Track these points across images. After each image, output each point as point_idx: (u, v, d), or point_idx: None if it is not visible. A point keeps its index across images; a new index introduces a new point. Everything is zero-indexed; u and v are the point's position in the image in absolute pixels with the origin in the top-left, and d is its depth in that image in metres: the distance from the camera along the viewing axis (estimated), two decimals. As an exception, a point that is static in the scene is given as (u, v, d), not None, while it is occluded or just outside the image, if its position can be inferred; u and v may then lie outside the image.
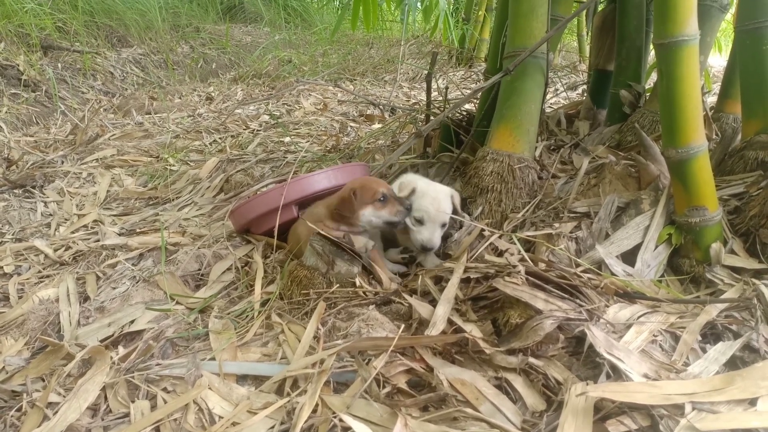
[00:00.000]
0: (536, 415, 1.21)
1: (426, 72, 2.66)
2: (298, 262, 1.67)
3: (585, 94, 2.56)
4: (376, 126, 3.92)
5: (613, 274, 1.54)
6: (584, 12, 2.41)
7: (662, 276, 1.59)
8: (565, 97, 3.83)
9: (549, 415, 1.18)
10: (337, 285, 1.59)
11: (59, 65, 6.46)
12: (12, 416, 1.30)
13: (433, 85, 2.87)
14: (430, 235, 1.75)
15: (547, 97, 3.44)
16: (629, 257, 1.61)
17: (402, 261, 1.92)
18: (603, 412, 1.15)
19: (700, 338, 1.32)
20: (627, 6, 2.15)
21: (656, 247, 1.60)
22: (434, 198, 1.76)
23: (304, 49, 9.03)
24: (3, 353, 1.59)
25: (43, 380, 1.47)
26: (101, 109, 5.84)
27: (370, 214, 1.72)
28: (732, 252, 1.56)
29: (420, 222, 1.77)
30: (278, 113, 4.73)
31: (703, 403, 1.12)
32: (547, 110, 2.70)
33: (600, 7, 2.59)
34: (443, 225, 1.77)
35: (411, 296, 1.57)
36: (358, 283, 1.61)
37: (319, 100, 5.48)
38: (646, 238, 1.60)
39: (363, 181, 1.77)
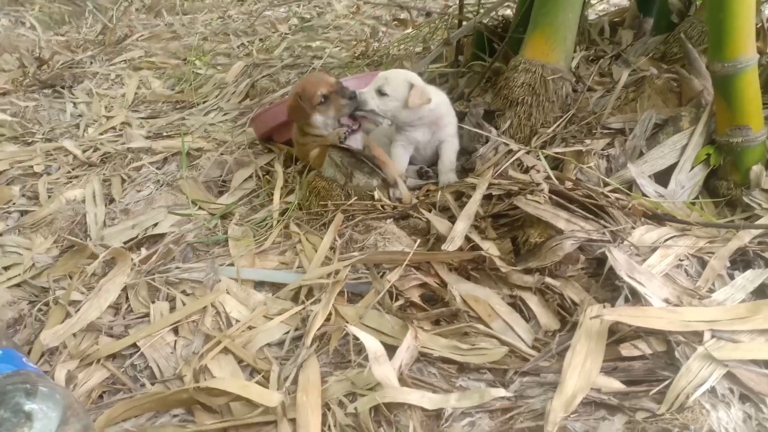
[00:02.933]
0: (549, 335, 1.20)
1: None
2: (317, 173, 1.64)
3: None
4: (408, 31, 3.75)
5: (644, 194, 1.48)
6: None
7: (696, 198, 1.52)
8: (614, 4, 3.57)
9: (562, 335, 1.17)
10: (355, 197, 1.57)
11: (90, -34, 6.30)
12: (38, 311, 1.36)
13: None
14: (364, 92, 1.69)
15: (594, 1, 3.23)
16: (663, 177, 1.53)
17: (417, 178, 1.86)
18: (618, 335, 1.12)
19: (728, 264, 1.27)
20: None
21: (692, 167, 1.51)
22: (390, 72, 1.71)
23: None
24: (33, 250, 1.64)
25: (70, 278, 1.52)
26: (133, 9, 5.73)
27: (320, 121, 1.68)
28: (773, 175, 1.47)
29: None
30: (309, 16, 4.56)
31: (724, 332, 1.08)
32: (591, 17, 2.52)
33: None
34: (381, 92, 1.67)
35: (430, 211, 1.54)
36: (377, 197, 1.58)
37: (353, 2, 5.25)
38: (683, 157, 1.51)
39: (303, 84, 1.71)
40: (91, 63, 3.41)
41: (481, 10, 2.39)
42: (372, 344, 1.08)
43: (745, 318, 1.11)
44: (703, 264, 1.28)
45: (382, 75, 1.68)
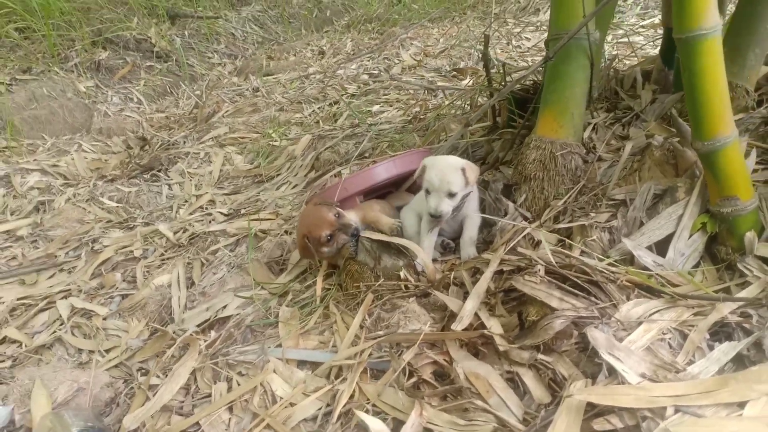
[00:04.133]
0: (540, 409, 1.36)
1: None
2: (351, 257, 1.89)
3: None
4: (466, 82, 3.95)
5: (644, 266, 1.59)
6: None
7: (698, 264, 1.61)
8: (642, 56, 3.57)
9: (548, 409, 1.33)
10: (383, 279, 1.80)
11: (186, 33, 7.05)
12: (125, 395, 1.71)
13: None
14: (436, 203, 1.85)
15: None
16: (665, 246, 1.63)
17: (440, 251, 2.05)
18: (597, 409, 1.27)
19: (708, 337, 1.37)
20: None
21: (691, 235, 1.60)
22: (439, 169, 1.85)
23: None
24: (129, 333, 2.02)
25: (158, 356, 1.87)
26: (226, 73, 6.35)
27: (328, 252, 1.93)
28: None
29: (428, 192, 1.89)
30: (377, 71, 4.88)
31: (689, 407, 1.20)
32: (622, 68, 2.61)
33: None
34: (450, 194, 1.85)
35: (448, 288, 1.74)
36: (402, 276, 1.80)
37: (420, 49, 5.52)
38: (680, 227, 1.61)
39: (309, 226, 1.93)
40: (184, 143, 3.91)
41: (508, 78, 2.56)
42: (376, 426, 1.30)
43: (712, 392, 1.22)
44: (685, 337, 1.38)
45: (438, 175, 1.86)
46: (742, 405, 1.18)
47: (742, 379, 1.23)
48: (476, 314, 1.60)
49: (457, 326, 1.56)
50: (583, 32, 1.86)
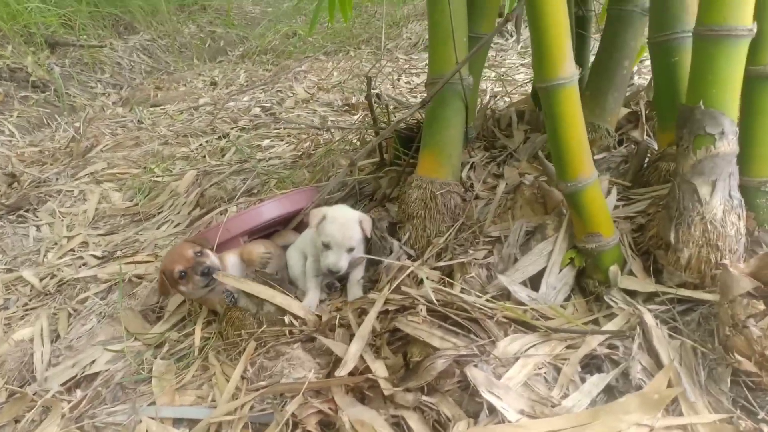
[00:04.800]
0: (425, 452, 1.35)
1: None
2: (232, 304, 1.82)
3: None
4: (358, 117, 4.00)
5: (519, 301, 1.64)
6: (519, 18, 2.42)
7: (569, 297, 1.69)
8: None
9: (435, 452, 1.33)
10: (266, 325, 1.74)
11: (67, 62, 6.65)
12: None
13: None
14: (336, 259, 1.87)
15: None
16: (538, 281, 1.70)
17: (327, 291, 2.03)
18: (479, 448, 1.28)
19: (580, 369, 1.43)
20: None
21: (561, 270, 1.68)
22: (341, 224, 1.87)
23: (311, 16, 9.01)
24: (-17, 397, 1.81)
25: (17, 422, 1.69)
26: (110, 104, 6.03)
27: (186, 291, 1.87)
28: (631, 273, 1.64)
29: (327, 247, 1.89)
30: (269, 104, 4.83)
31: (564, 441, 1.24)
32: (500, 106, 2.74)
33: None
34: (350, 249, 1.88)
35: (335, 330, 1.71)
36: (287, 321, 1.75)
37: (313, 83, 5.54)
38: (550, 262, 1.68)
39: (166, 262, 1.89)
40: (57, 179, 3.64)
41: (393, 118, 2.61)
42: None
43: (586, 425, 1.27)
44: (559, 370, 1.44)
45: (341, 230, 1.88)
46: (615, 436, 1.24)
47: (611, 411, 1.29)
48: (362, 357, 1.58)
49: (342, 371, 1.53)
50: (457, 77, 1.93)
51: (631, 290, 1.61)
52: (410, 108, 2.47)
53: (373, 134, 2.78)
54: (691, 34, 1.66)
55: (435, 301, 1.60)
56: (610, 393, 1.39)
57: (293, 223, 2.27)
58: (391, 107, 2.82)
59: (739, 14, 1.39)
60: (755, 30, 1.41)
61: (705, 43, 1.44)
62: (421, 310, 1.57)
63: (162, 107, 5.54)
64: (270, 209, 2.11)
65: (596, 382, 1.38)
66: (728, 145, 1.46)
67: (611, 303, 1.60)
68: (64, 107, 5.71)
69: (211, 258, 1.88)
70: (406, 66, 5.78)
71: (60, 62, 6.57)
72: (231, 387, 1.58)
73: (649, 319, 1.46)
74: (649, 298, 1.58)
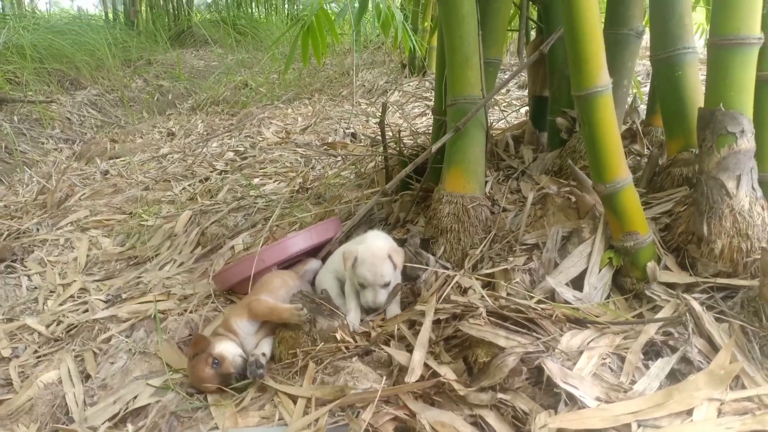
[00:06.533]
0: (509, 446, 1.39)
1: (382, 83, 2.82)
2: (283, 324, 1.81)
3: (528, 116, 2.75)
4: (339, 154, 4.08)
5: (565, 301, 1.73)
6: (520, 41, 2.59)
7: (609, 296, 1.78)
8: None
9: (520, 445, 1.36)
10: (322, 343, 1.75)
11: (15, 118, 6.46)
12: None
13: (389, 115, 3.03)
14: (373, 297, 1.94)
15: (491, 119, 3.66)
16: (579, 282, 1.79)
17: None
18: (566, 436, 1.33)
19: (642, 356, 1.51)
20: (554, 38, 2.34)
21: (600, 270, 1.78)
22: (371, 264, 1.92)
23: (258, 69, 9.15)
24: (18, 444, 1.72)
25: (62, 466, 1.60)
26: (63, 158, 5.87)
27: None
28: (666, 268, 1.75)
29: (363, 286, 1.95)
30: (242, 148, 4.85)
31: (647, 420, 1.30)
32: (494, 133, 2.88)
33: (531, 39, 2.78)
34: (384, 285, 1.94)
35: (389, 343, 1.73)
36: (339, 337, 1.76)
37: (281, 127, 5.60)
38: (590, 263, 1.78)
39: (194, 385, 1.79)
40: (38, 230, 3.51)
41: (403, 145, 2.71)
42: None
43: (662, 404, 1.34)
44: (622, 359, 1.51)
45: (371, 270, 1.92)
46: (689, 412, 1.32)
47: (683, 389, 1.37)
48: (425, 365, 1.61)
49: (410, 378, 1.56)
50: (479, 96, 2.05)
51: (670, 283, 1.72)
52: (418, 134, 2.57)
53: (377, 163, 2.86)
54: (690, 49, 1.85)
55: (492, 304, 1.66)
56: (672, 376, 1.47)
57: (322, 253, 2.31)
58: (403, 134, 2.91)
59: (750, 25, 1.57)
60: (763, 39, 1.60)
61: (721, 52, 1.61)
62: (482, 312, 1.62)
63: (122, 159, 5.45)
64: (301, 241, 2.18)
65: (662, 365, 1.47)
66: (748, 142, 1.62)
67: (653, 297, 1.70)
68: (18, 163, 5.53)
69: (228, 359, 1.75)
70: (371, 109, 5.95)
71: (8, 119, 6.38)
72: (302, 403, 1.57)
73: (696, 306, 1.57)
74: (688, 289, 1.70)
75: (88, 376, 1.97)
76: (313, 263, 2.32)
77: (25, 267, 3.02)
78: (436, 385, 1.54)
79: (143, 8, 11.65)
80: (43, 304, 2.63)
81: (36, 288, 2.82)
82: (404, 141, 2.89)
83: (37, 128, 6.54)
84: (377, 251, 1.96)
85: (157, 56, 9.91)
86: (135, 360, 1.98)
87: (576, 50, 1.62)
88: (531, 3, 2.65)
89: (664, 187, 2.01)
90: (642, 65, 5.28)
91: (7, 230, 3.54)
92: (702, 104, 1.80)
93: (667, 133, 2.04)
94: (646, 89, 3.30)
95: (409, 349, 1.68)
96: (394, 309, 1.96)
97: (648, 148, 2.30)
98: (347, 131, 4.92)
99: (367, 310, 2.00)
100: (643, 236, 1.72)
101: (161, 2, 12.02)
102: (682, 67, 1.95)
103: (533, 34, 2.95)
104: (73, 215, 3.65)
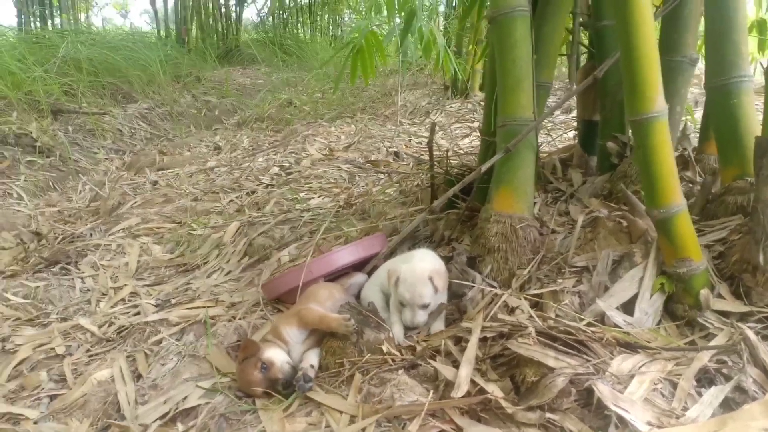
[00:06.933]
0: (557, 466, 1.38)
1: (425, 104, 2.87)
2: (331, 333, 1.84)
3: (576, 140, 2.75)
4: (384, 171, 4.14)
5: (615, 325, 1.72)
6: (572, 65, 2.61)
7: (660, 322, 1.76)
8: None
9: (568, 466, 1.36)
10: (369, 354, 1.77)
11: (69, 128, 6.72)
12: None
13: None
14: (411, 317, 1.94)
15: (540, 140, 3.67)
16: (629, 307, 1.78)
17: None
18: (616, 459, 1.32)
19: (695, 383, 1.49)
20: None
21: (651, 296, 1.77)
22: (410, 285, 1.93)
23: (303, 88, 9.33)
24: (72, 437, 1.78)
25: (115, 461, 1.66)
26: (113, 168, 6.08)
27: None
28: (720, 296, 1.73)
29: (403, 305, 1.96)
30: (287, 164, 4.95)
31: (701, 447, 1.29)
32: (541, 156, 2.89)
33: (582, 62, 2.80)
34: (423, 306, 1.94)
35: (435, 358, 1.75)
36: (385, 350, 1.79)
37: (324, 144, 5.70)
38: (641, 288, 1.77)
39: (242, 389, 1.83)
40: (91, 235, 3.64)
41: (449, 164, 2.75)
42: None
43: (717, 432, 1.33)
44: (674, 385, 1.50)
45: (410, 290, 1.93)
46: (744, 441, 1.30)
47: (738, 418, 1.35)
48: (471, 381, 1.62)
49: (457, 393, 1.57)
50: (530, 119, 2.07)
51: (723, 311, 1.70)
52: (462, 155, 2.60)
53: (421, 181, 2.89)
54: (746, 78, 1.84)
55: (541, 324, 1.66)
56: (725, 405, 1.45)
57: (367, 267, 2.34)
58: (450, 153, 2.95)
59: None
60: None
61: (782, 82, 1.60)
62: (531, 332, 1.63)
63: (171, 170, 5.62)
64: (347, 254, 2.23)
65: (715, 393, 1.45)
66: (807, 171, 1.60)
67: (706, 324, 1.68)
68: (71, 171, 5.75)
69: (277, 364, 1.78)
70: (413, 129, 6.01)
71: (63, 128, 6.65)
72: (347, 413, 1.59)
73: (752, 335, 1.55)
74: (742, 318, 1.67)
75: (139, 376, 2.04)
76: (359, 277, 2.35)
77: (79, 270, 3.13)
78: (483, 401, 1.55)
79: (194, 27, 12.05)
80: (96, 305, 2.73)
81: (89, 290, 2.92)
82: (450, 161, 2.92)
83: (90, 138, 6.79)
84: (420, 273, 1.96)
85: (205, 73, 10.21)
86: (185, 362, 2.04)
87: (633, 75, 1.63)
88: (583, 28, 2.67)
89: (718, 215, 1.99)
90: (690, 93, 5.22)
91: (62, 234, 3.68)
92: (758, 132, 1.79)
93: (722, 161, 2.02)
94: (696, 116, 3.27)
95: (455, 364, 1.69)
96: (438, 325, 1.97)
97: (700, 176, 2.28)
98: (390, 150, 4.98)
99: (408, 327, 2.02)
100: (697, 263, 1.71)
101: (211, 22, 12.42)
102: (738, 95, 1.94)
103: (583, 59, 2.97)
104: (125, 222, 3.78)
